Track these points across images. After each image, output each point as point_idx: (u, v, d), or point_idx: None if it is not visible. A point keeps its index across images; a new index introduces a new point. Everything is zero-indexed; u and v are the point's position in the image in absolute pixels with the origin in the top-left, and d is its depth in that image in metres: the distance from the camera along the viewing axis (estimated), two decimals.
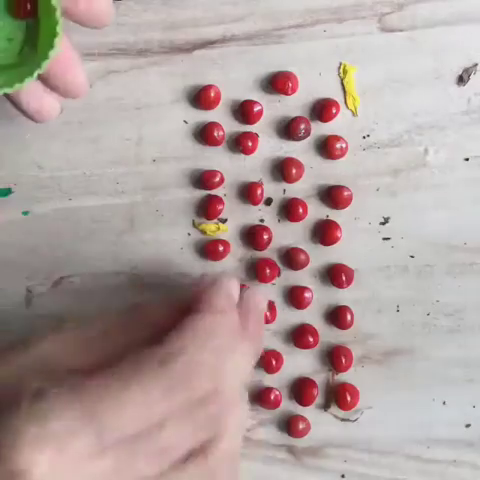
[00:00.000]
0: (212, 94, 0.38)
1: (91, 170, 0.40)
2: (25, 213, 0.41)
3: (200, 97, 0.39)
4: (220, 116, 0.39)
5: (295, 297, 0.39)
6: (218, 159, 0.40)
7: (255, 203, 0.39)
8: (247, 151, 0.39)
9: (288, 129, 0.38)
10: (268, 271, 0.39)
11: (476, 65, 0.37)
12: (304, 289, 0.39)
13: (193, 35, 0.39)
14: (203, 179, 0.39)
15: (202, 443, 0.28)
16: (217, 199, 0.39)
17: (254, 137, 0.39)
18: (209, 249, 0.40)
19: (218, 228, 0.40)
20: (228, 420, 0.29)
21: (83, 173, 0.40)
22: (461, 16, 0.37)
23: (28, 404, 0.25)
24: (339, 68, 0.38)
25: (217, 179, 0.39)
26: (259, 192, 0.39)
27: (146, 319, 0.31)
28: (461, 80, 0.37)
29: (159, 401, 0.27)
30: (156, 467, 0.27)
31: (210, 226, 0.40)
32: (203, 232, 0.40)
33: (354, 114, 0.38)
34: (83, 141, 0.40)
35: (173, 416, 0.27)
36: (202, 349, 0.28)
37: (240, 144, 0.39)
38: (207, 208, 0.39)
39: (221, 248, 0.40)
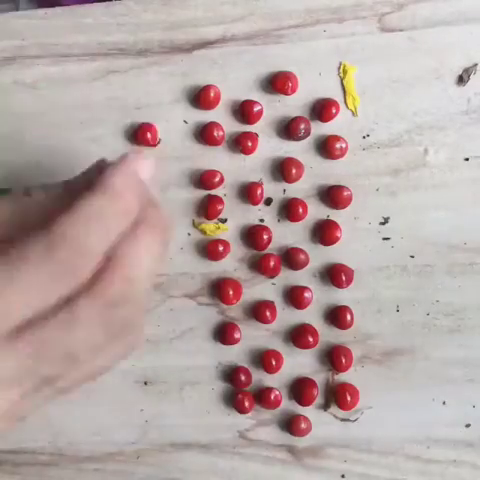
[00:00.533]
0: (212, 94, 0.38)
1: None
2: None
3: (200, 97, 0.39)
4: (220, 116, 0.39)
5: (295, 297, 0.39)
6: (218, 159, 0.40)
7: (255, 203, 0.39)
8: (247, 151, 0.39)
9: (288, 129, 0.38)
10: (272, 263, 0.39)
11: (476, 65, 0.37)
12: (304, 289, 0.39)
13: (193, 35, 0.39)
14: (203, 179, 0.39)
15: None
16: (217, 199, 0.39)
17: (254, 137, 0.39)
18: (209, 249, 0.40)
19: (218, 228, 0.40)
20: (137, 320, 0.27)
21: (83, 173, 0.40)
22: (461, 16, 0.37)
23: None
24: (339, 68, 0.38)
25: (217, 179, 0.39)
26: (259, 192, 0.39)
27: (38, 204, 0.28)
28: (461, 80, 0.37)
29: (45, 291, 0.25)
30: (58, 367, 0.26)
31: (210, 226, 0.40)
32: (203, 232, 0.40)
33: (354, 114, 0.38)
34: (83, 141, 0.40)
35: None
36: (88, 234, 0.26)
37: (240, 144, 0.39)
38: (207, 208, 0.39)
39: (221, 248, 0.40)
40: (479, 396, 0.39)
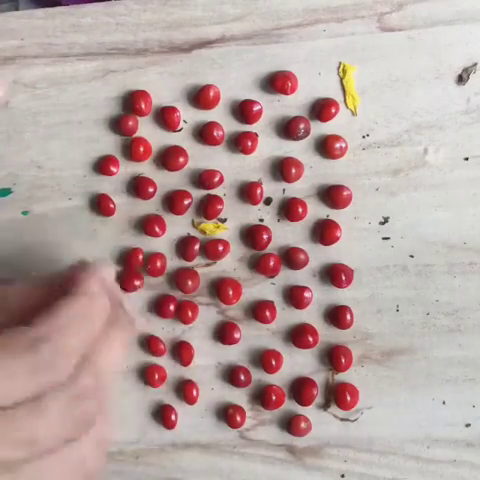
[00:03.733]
0: (211, 94, 0.38)
1: (91, 170, 0.40)
2: (25, 213, 0.41)
3: (199, 97, 0.39)
4: (219, 116, 0.39)
5: (295, 297, 0.39)
6: (218, 159, 0.40)
7: (255, 203, 0.39)
8: (247, 151, 0.39)
9: (287, 129, 0.38)
10: (272, 263, 0.39)
11: (476, 64, 0.37)
12: (304, 289, 0.39)
13: (192, 35, 0.39)
14: (203, 179, 0.39)
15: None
16: (217, 199, 0.39)
17: (254, 137, 0.39)
18: (209, 248, 0.40)
19: (218, 227, 0.40)
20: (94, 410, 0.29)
21: (83, 173, 0.40)
22: (460, 15, 0.37)
23: None
24: (339, 68, 0.38)
25: (216, 179, 0.39)
26: (259, 192, 0.39)
27: (15, 302, 0.31)
28: (461, 79, 0.37)
29: (24, 382, 0.27)
30: (21, 452, 0.27)
31: (209, 225, 0.40)
32: (203, 232, 0.40)
33: (354, 113, 0.38)
34: (83, 141, 0.40)
35: (40, 402, 0.27)
36: (69, 334, 0.28)
37: (240, 144, 0.39)
38: (207, 208, 0.39)
39: (221, 248, 0.40)
40: (479, 396, 0.39)
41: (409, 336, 0.39)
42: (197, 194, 0.40)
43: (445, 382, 0.39)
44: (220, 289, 0.40)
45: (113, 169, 0.40)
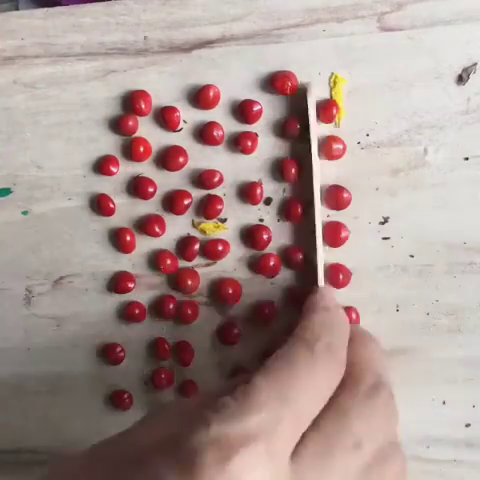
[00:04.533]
0: (211, 94, 0.38)
1: (91, 170, 0.40)
2: (24, 213, 0.41)
3: (199, 97, 0.39)
4: (220, 116, 0.39)
5: (295, 297, 0.39)
6: (218, 159, 0.39)
7: (255, 203, 0.39)
8: (247, 151, 0.39)
9: (285, 129, 0.38)
10: (272, 263, 0.39)
11: (475, 64, 0.37)
12: (303, 289, 0.39)
13: (192, 35, 0.39)
14: (202, 179, 0.39)
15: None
16: (217, 199, 0.39)
17: (254, 137, 0.39)
18: (209, 248, 0.40)
19: (217, 227, 0.40)
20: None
21: (83, 173, 0.40)
22: (460, 15, 0.37)
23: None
24: (330, 77, 0.38)
25: (216, 179, 0.39)
26: (259, 192, 0.39)
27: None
28: (461, 79, 0.37)
29: (321, 391, 0.29)
30: (352, 465, 0.28)
31: (209, 225, 0.40)
32: (203, 232, 0.40)
33: (337, 125, 0.38)
34: (83, 141, 0.40)
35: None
36: (343, 346, 0.32)
37: (240, 144, 0.39)
38: (206, 208, 0.39)
39: (221, 248, 0.39)
40: (479, 396, 0.39)
41: (409, 336, 0.39)
42: (197, 194, 0.40)
43: (445, 382, 0.39)
44: (220, 289, 0.40)
45: (113, 169, 0.40)
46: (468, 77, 0.37)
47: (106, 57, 0.39)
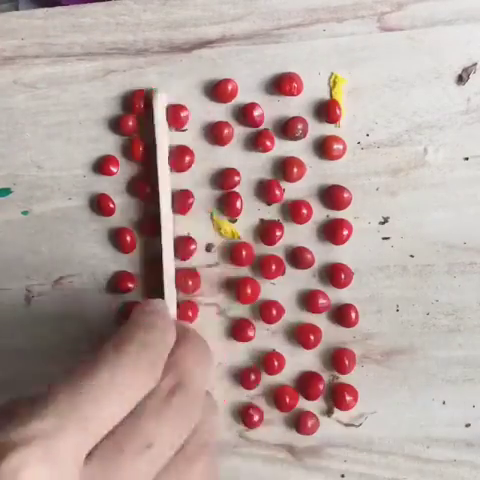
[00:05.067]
0: (229, 87, 0.38)
1: (91, 170, 0.40)
2: (25, 213, 0.41)
3: (216, 91, 0.39)
4: (219, 116, 0.39)
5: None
6: (217, 158, 0.39)
7: (271, 201, 0.39)
8: (267, 149, 0.39)
9: (285, 129, 0.38)
10: (274, 267, 0.39)
11: (475, 64, 0.37)
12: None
13: (192, 35, 0.39)
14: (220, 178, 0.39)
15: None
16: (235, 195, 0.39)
17: (270, 135, 0.39)
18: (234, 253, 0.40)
19: (232, 232, 0.40)
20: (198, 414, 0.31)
21: (83, 173, 0.40)
22: (460, 15, 0.37)
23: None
24: (330, 77, 0.38)
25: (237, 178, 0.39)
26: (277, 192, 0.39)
27: None
28: (461, 79, 0.37)
29: (133, 389, 0.28)
30: (143, 465, 0.27)
31: (225, 225, 0.40)
32: (218, 227, 0.40)
33: (336, 125, 0.38)
34: (83, 141, 0.40)
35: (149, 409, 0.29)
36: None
37: (259, 144, 0.38)
38: (226, 205, 0.39)
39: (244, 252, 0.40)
40: (479, 396, 0.39)
41: (409, 336, 0.39)
42: (198, 193, 0.40)
43: (445, 382, 0.39)
44: (239, 288, 0.40)
45: (113, 169, 0.40)
46: (468, 77, 0.37)
47: (106, 57, 0.39)
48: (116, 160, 0.40)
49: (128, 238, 0.40)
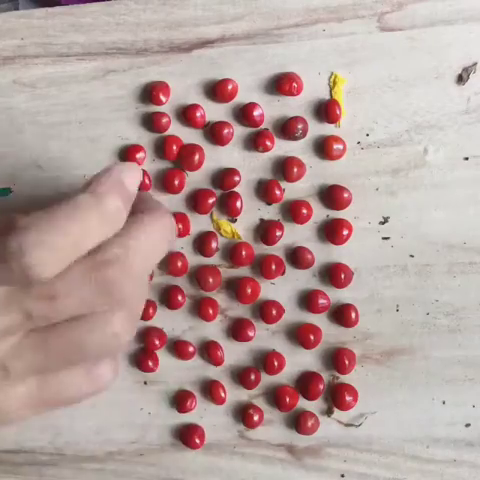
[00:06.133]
0: (229, 87, 0.38)
1: (91, 170, 0.40)
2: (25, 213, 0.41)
3: (216, 91, 0.38)
4: (219, 116, 0.39)
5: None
6: (218, 159, 0.40)
7: (271, 201, 0.39)
8: (267, 149, 0.39)
9: (285, 129, 0.38)
10: (274, 267, 0.39)
11: (476, 64, 0.37)
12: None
13: (192, 34, 0.39)
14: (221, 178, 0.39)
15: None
16: (235, 195, 0.39)
17: (270, 135, 0.39)
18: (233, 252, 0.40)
19: (232, 232, 0.40)
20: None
21: (83, 173, 0.40)
22: (460, 15, 0.37)
23: None
24: (330, 77, 0.38)
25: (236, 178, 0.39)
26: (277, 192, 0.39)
27: None
28: (461, 79, 0.37)
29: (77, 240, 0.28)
30: (45, 309, 0.28)
31: (225, 225, 0.40)
32: (217, 227, 0.40)
33: (336, 125, 0.38)
34: (83, 141, 0.40)
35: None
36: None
37: (259, 144, 0.38)
38: (226, 205, 0.39)
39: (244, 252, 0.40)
40: (479, 396, 0.39)
41: (409, 336, 0.39)
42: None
43: (445, 382, 0.39)
44: (239, 288, 0.40)
45: None
46: (468, 77, 0.37)
47: (106, 57, 0.40)
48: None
49: None
